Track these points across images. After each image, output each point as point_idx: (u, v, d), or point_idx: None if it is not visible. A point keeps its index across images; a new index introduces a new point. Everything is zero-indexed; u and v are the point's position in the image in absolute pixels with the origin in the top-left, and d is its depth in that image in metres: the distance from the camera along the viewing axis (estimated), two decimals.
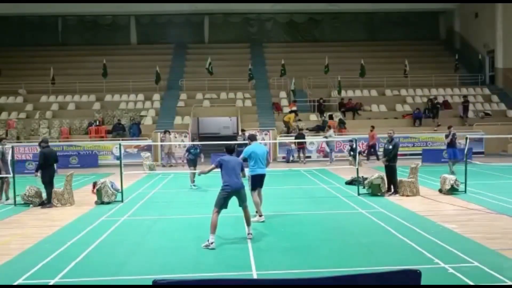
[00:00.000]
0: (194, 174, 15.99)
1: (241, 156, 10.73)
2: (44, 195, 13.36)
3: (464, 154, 15.91)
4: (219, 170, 9.02)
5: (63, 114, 29.14)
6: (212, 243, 8.45)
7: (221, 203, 8.72)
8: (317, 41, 38.34)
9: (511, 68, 31.97)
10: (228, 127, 35.26)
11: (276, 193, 14.73)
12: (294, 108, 27.96)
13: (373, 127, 24.78)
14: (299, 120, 28.02)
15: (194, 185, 16.14)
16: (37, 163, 13.40)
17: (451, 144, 18.96)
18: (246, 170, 10.23)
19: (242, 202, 9.02)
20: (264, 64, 35.09)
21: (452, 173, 17.59)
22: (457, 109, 29.51)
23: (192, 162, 16.38)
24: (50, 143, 14.15)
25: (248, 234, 9.05)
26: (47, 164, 13.11)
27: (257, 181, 10.77)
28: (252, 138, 11.32)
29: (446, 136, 19.39)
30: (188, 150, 16.56)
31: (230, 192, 8.74)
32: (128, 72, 33.13)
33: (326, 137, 23.94)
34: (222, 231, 9.59)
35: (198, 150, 16.34)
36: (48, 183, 13.13)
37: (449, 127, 19.78)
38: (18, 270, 7.41)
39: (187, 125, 27.34)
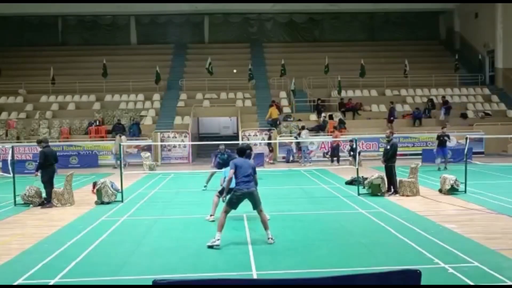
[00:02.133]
0: (212, 175, 15.80)
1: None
2: (44, 195, 13.37)
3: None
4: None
5: (63, 114, 29.15)
6: (218, 240, 8.46)
7: (232, 205, 8.73)
8: (317, 41, 38.34)
9: (511, 68, 31.98)
10: (228, 127, 35.25)
11: (276, 193, 14.75)
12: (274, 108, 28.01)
13: (335, 127, 24.65)
14: (299, 120, 28.03)
15: (205, 187, 15.77)
16: (37, 162, 13.40)
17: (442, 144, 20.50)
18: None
19: (256, 206, 8.79)
20: (264, 64, 35.09)
21: (445, 168, 19.51)
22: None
23: (220, 166, 15.30)
24: (50, 143, 14.15)
25: (268, 238, 8.66)
26: (48, 164, 13.11)
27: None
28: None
29: (438, 137, 20.65)
30: (216, 156, 15.82)
31: (242, 195, 8.65)
32: (128, 72, 33.13)
33: (296, 137, 24.05)
34: (223, 231, 9.59)
35: (225, 156, 15.09)
36: (47, 182, 13.13)
37: (442, 128, 21.38)
38: (18, 270, 7.41)
39: (187, 125, 27.34)
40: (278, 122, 27.12)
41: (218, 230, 8.57)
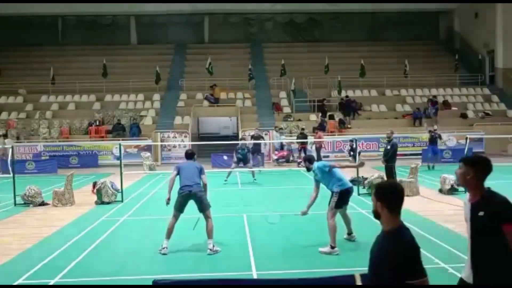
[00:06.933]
0: (230, 171, 17.38)
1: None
2: (42, 195, 13.40)
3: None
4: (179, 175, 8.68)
5: (63, 114, 29.13)
6: (164, 248, 8.25)
7: (178, 208, 8.56)
8: (317, 41, 38.30)
9: (511, 68, 31.98)
10: (228, 127, 35.24)
11: (276, 193, 14.75)
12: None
13: (318, 129, 24.62)
14: (299, 120, 28.00)
15: (225, 181, 17.09)
16: None
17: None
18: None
19: (202, 210, 8.56)
20: (264, 64, 35.08)
21: (433, 167, 20.08)
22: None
23: (240, 160, 17.31)
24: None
25: (208, 249, 8.24)
26: None
27: (344, 197, 9.14)
28: (310, 160, 9.72)
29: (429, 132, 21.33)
30: (236, 151, 17.49)
31: (185, 196, 8.50)
32: (128, 72, 33.13)
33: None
34: (223, 232, 9.59)
35: (245, 151, 17.30)
36: None
37: (433, 125, 22.17)
38: (18, 270, 7.42)
39: (187, 125, 27.34)
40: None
41: (166, 237, 8.36)
